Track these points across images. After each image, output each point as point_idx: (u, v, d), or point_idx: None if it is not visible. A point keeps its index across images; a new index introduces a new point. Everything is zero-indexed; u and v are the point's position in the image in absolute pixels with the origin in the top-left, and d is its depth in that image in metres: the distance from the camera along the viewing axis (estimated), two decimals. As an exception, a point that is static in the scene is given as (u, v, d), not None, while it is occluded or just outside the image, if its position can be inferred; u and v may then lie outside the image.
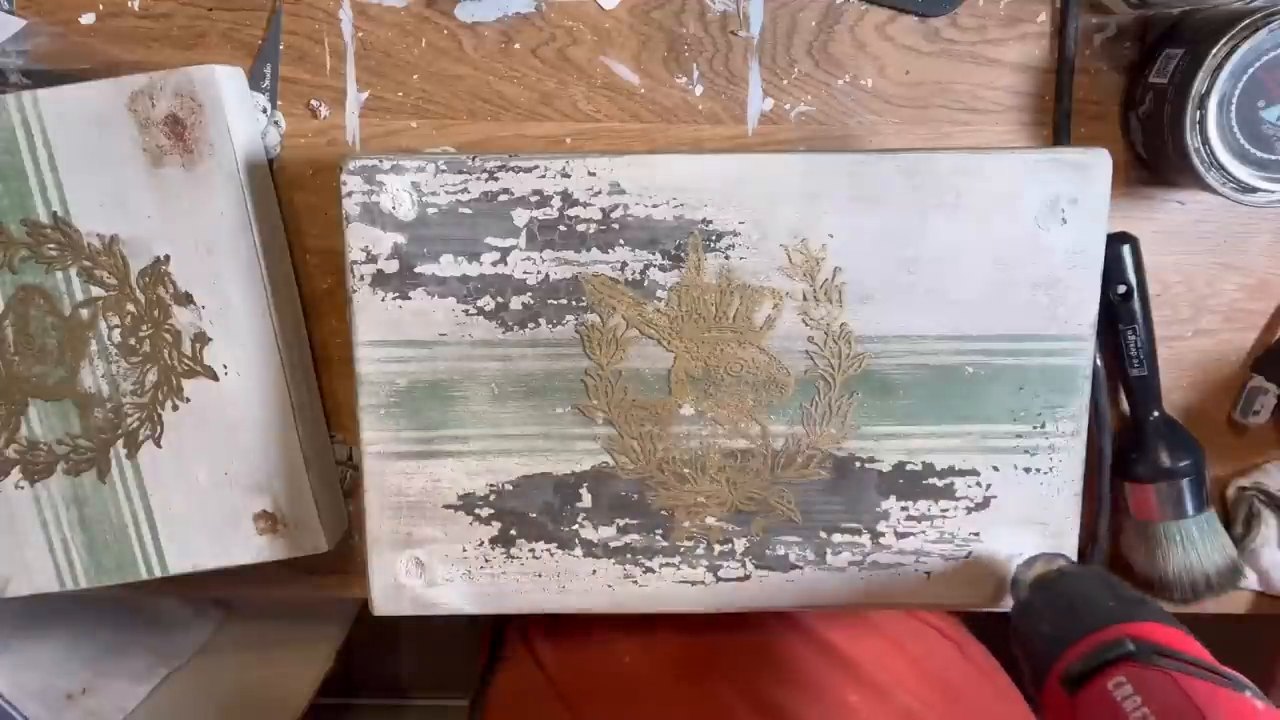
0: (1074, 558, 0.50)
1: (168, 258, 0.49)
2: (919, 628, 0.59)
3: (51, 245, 0.49)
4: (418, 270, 0.47)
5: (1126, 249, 0.51)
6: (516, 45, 0.52)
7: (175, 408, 0.50)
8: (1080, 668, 0.38)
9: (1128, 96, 0.52)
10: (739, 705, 0.53)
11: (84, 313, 0.50)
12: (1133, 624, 0.38)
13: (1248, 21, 0.45)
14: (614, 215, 0.47)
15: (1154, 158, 0.51)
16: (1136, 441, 0.53)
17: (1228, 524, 0.56)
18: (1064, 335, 0.48)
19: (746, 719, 0.53)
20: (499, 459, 0.49)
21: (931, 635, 0.59)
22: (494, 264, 0.47)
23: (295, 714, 0.77)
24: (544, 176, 0.46)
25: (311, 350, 0.54)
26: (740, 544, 0.50)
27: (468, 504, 0.50)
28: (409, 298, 0.47)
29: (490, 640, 0.69)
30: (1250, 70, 0.46)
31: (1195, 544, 0.53)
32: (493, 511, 0.50)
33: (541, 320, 0.48)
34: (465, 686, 0.74)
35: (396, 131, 0.52)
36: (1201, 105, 0.46)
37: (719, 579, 0.51)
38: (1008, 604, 0.51)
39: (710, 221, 0.47)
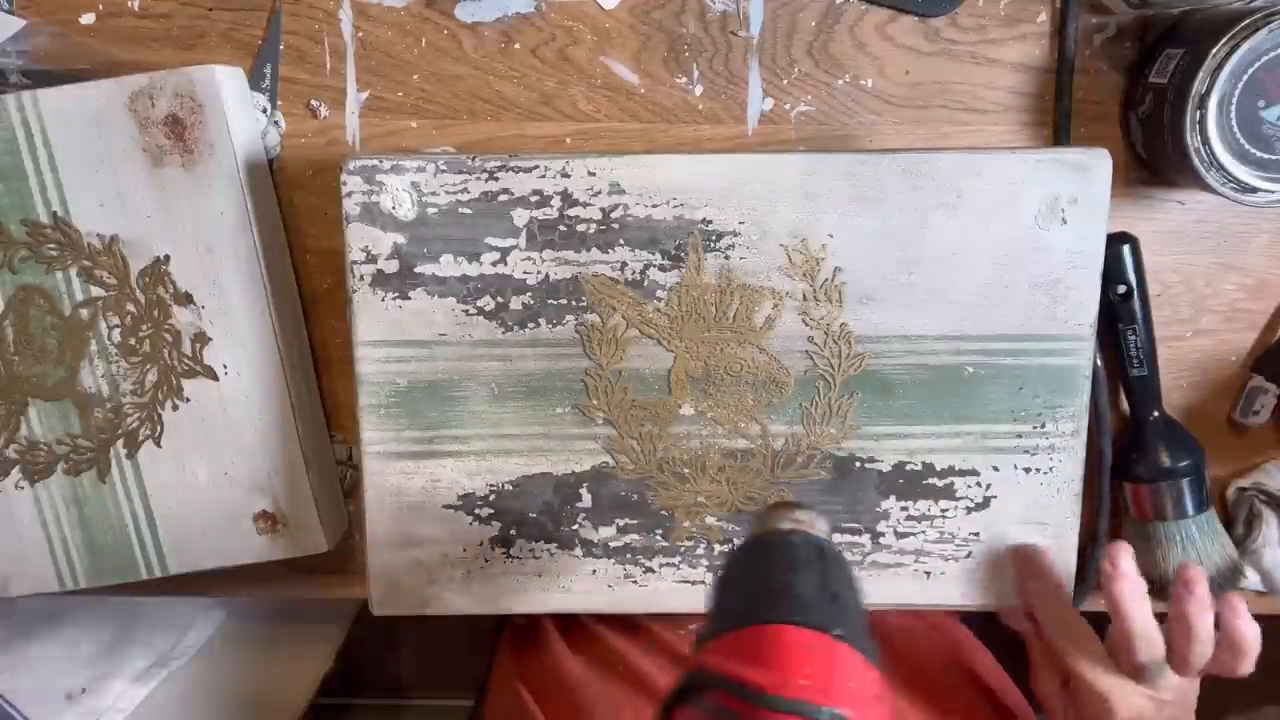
0: (1074, 556, 0.50)
1: (168, 258, 0.49)
2: (912, 625, 0.59)
3: (51, 245, 0.49)
4: (418, 270, 0.47)
5: (1126, 249, 0.51)
6: (516, 45, 0.52)
7: (175, 408, 0.50)
8: (659, 710, 0.33)
9: (1128, 96, 0.52)
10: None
11: (84, 313, 0.50)
12: (728, 635, 0.32)
13: (1248, 21, 0.45)
14: (614, 215, 0.47)
15: (1154, 158, 0.51)
16: (1136, 441, 0.53)
17: (1228, 524, 0.56)
18: (1064, 335, 0.48)
19: None
20: (499, 459, 0.49)
21: (925, 633, 0.59)
22: (494, 264, 0.47)
23: (295, 714, 0.77)
24: (544, 176, 0.46)
25: (311, 350, 0.54)
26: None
27: (468, 504, 0.50)
28: (409, 298, 0.47)
29: (487, 662, 0.69)
30: (1250, 70, 0.46)
31: (1195, 544, 0.53)
32: (493, 511, 0.50)
33: (541, 320, 0.48)
34: (465, 686, 0.74)
35: (396, 131, 0.52)
36: (1201, 105, 0.46)
37: (719, 579, 0.51)
38: (1007, 604, 0.51)
39: (710, 221, 0.47)
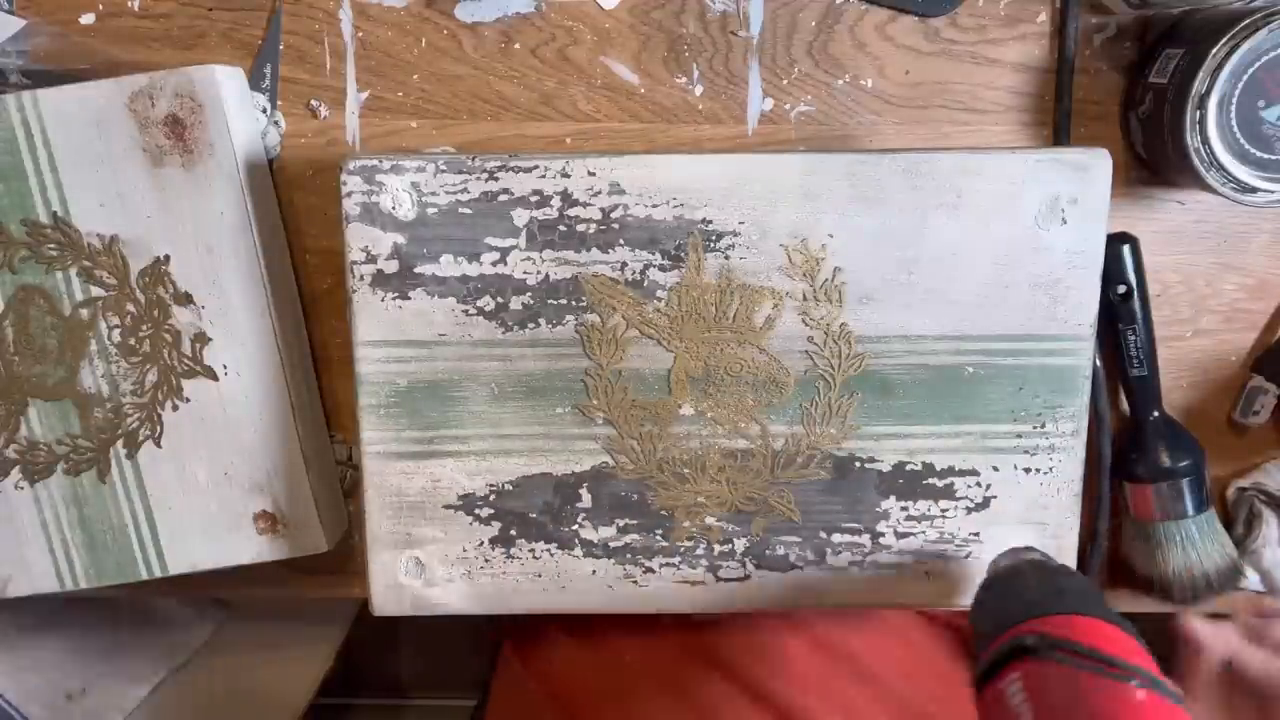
0: (1074, 556, 0.50)
1: (168, 258, 0.49)
2: (919, 619, 0.59)
3: (51, 245, 0.49)
4: (418, 270, 0.47)
5: (1126, 249, 0.51)
6: (516, 45, 0.52)
7: (175, 408, 0.50)
8: (985, 667, 0.38)
9: (1128, 96, 0.52)
10: (739, 698, 0.53)
11: (84, 313, 0.50)
12: (1045, 618, 0.38)
13: (1248, 21, 0.45)
14: (614, 215, 0.47)
15: (1154, 158, 0.51)
16: (1136, 441, 0.53)
17: (1228, 524, 0.56)
18: (1064, 335, 0.48)
19: (746, 711, 0.53)
20: (499, 459, 0.49)
21: (932, 626, 0.59)
22: (494, 264, 0.47)
23: (295, 714, 0.77)
24: (544, 176, 0.46)
25: (311, 350, 0.54)
26: (740, 544, 0.50)
27: (468, 504, 0.50)
28: (409, 298, 0.47)
29: (491, 655, 0.69)
30: (1250, 70, 0.46)
31: (1195, 544, 0.53)
32: (493, 512, 0.50)
33: (541, 320, 0.48)
34: (465, 686, 0.74)
35: (396, 131, 0.52)
36: (1201, 105, 0.46)
37: (719, 579, 0.51)
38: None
39: (710, 221, 0.47)
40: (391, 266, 0.47)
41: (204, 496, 0.51)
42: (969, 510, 0.50)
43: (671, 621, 0.57)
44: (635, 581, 0.51)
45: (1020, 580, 0.43)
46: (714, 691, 0.54)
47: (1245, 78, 0.46)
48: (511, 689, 0.63)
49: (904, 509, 0.50)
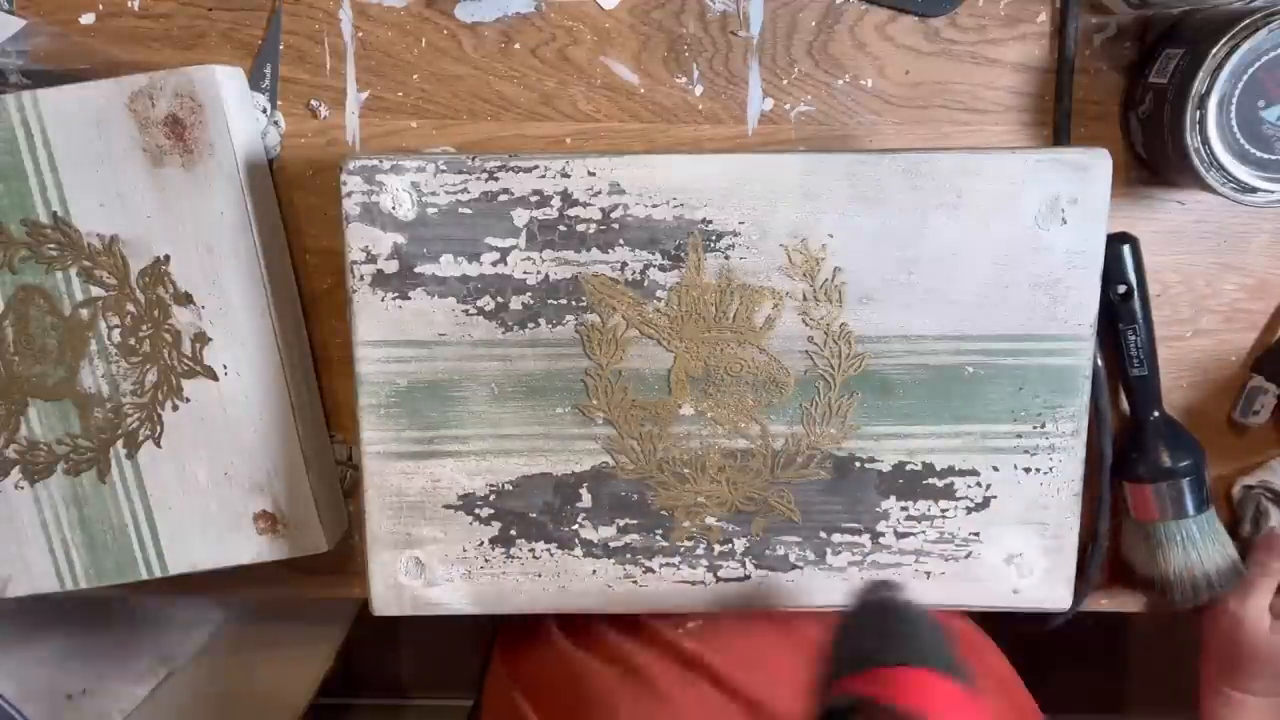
0: (1074, 556, 0.50)
1: (168, 258, 0.49)
2: None
3: (51, 245, 0.49)
4: (418, 270, 0.47)
5: (1126, 249, 0.51)
6: (516, 45, 0.52)
7: (175, 408, 0.50)
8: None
9: (1128, 96, 0.52)
10: (729, 707, 0.53)
11: (84, 313, 0.50)
12: (871, 671, 0.38)
13: (1248, 21, 0.45)
14: (614, 215, 0.47)
15: (1154, 158, 0.51)
16: (1136, 441, 0.53)
17: (1234, 522, 0.56)
18: (1064, 335, 0.48)
19: (742, 714, 0.52)
20: (499, 459, 0.49)
21: None
22: (494, 264, 0.47)
23: (295, 714, 0.77)
24: (544, 176, 0.46)
25: (311, 350, 0.54)
26: (740, 544, 0.50)
27: (468, 504, 0.50)
28: (409, 298, 0.47)
29: (486, 657, 0.69)
30: (1250, 70, 0.46)
31: (1196, 544, 0.53)
32: (493, 511, 0.50)
33: (541, 320, 0.48)
34: (465, 686, 0.74)
35: (396, 131, 0.52)
36: (1201, 105, 0.46)
37: (719, 579, 0.51)
38: (1007, 604, 0.51)
39: (710, 221, 0.47)
40: (391, 266, 0.47)
41: (204, 496, 0.51)
42: (969, 510, 0.50)
43: (667, 630, 0.57)
44: (635, 581, 0.51)
45: (858, 624, 0.43)
46: (707, 702, 0.53)
47: (1245, 78, 0.46)
48: (497, 697, 0.63)
49: (904, 509, 0.50)
